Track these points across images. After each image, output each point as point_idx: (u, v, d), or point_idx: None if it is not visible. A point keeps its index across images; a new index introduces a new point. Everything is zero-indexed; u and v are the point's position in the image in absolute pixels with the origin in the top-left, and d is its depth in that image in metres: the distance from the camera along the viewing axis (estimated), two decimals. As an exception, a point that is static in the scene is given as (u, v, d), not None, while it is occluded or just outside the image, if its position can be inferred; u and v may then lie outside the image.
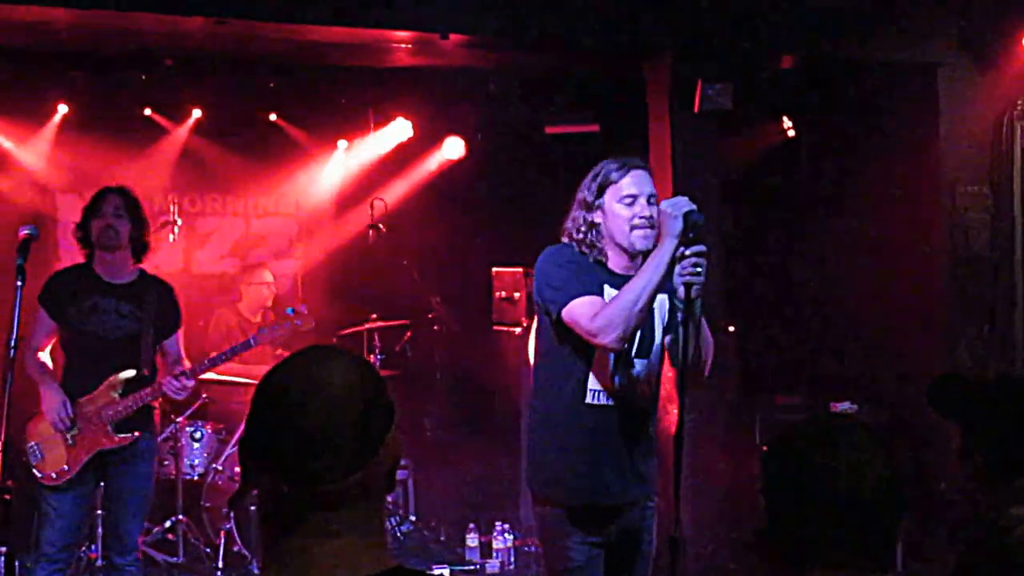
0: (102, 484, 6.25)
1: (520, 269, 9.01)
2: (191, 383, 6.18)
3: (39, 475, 6.02)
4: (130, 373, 6.10)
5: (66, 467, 6.01)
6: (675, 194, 4.57)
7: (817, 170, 9.30)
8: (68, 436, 6.01)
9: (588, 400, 4.62)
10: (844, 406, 8.37)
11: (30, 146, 9.32)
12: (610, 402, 4.63)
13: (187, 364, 6.32)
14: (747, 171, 9.34)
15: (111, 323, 6.09)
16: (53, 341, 6.18)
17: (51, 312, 6.10)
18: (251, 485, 2.22)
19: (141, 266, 6.29)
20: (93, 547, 7.59)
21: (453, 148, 10.36)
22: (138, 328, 6.14)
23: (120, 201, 6.15)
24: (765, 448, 2.51)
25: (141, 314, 6.16)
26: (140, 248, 6.24)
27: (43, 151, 9.36)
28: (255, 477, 2.20)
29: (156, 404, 6.39)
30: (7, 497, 5.07)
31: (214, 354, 6.39)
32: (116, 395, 6.08)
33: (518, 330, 8.89)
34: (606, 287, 4.57)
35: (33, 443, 6.06)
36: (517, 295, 8.99)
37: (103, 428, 6.05)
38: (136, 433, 6.12)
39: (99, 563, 7.42)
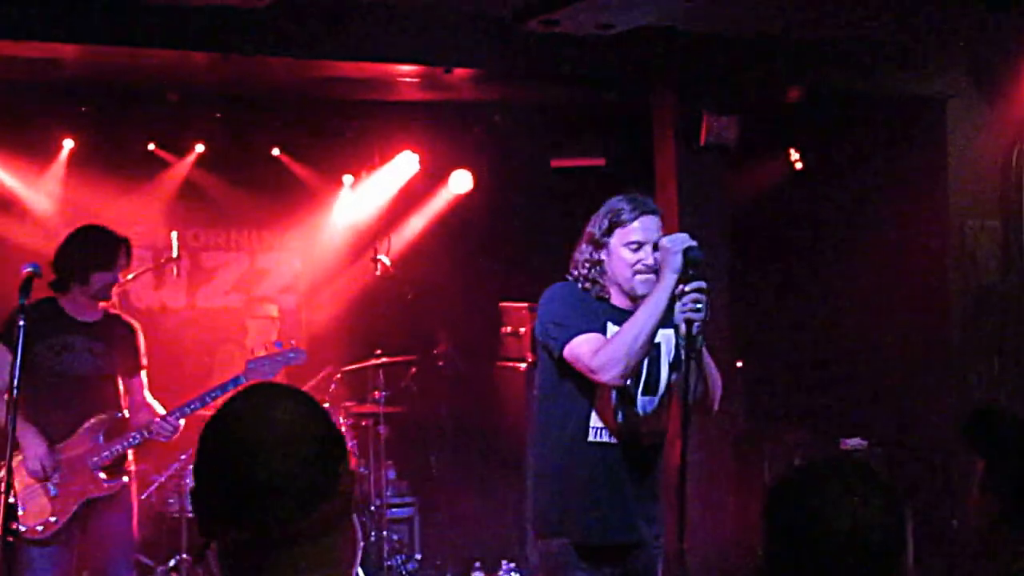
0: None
1: (526, 304, 9.00)
2: (181, 424, 6.04)
3: (22, 528, 5.69)
4: (111, 415, 5.96)
5: (53, 518, 5.79)
6: (681, 229, 4.58)
7: (825, 203, 9.31)
8: (50, 485, 5.79)
9: (590, 438, 4.60)
10: (854, 442, 8.38)
11: (38, 185, 9.24)
12: (613, 440, 4.61)
13: (154, 405, 6.16)
14: (754, 205, 9.35)
15: (85, 362, 5.92)
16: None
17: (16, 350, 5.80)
18: (211, 535, 2.17)
19: (104, 305, 6.12)
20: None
21: (461, 181, 10.31)
22: (111, 367, 6.00)
23: (127, 257, 6.02)
24: (768, 493, 2.50)
25: (112, 352, 6.00)
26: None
27: (51, 190, 9.28)
28: (213, 526, 2.15)
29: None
30: (10, 540, 4.93)
31: (204, 392, 6.22)
32: (99, 439, 5.91)
33: (523, 365, 8.88)
34: (609, 324, 4.57)
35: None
36: (523, 330, 8.98)
37: (90, 475, 5.86)
38: (124, 478, 5.98)
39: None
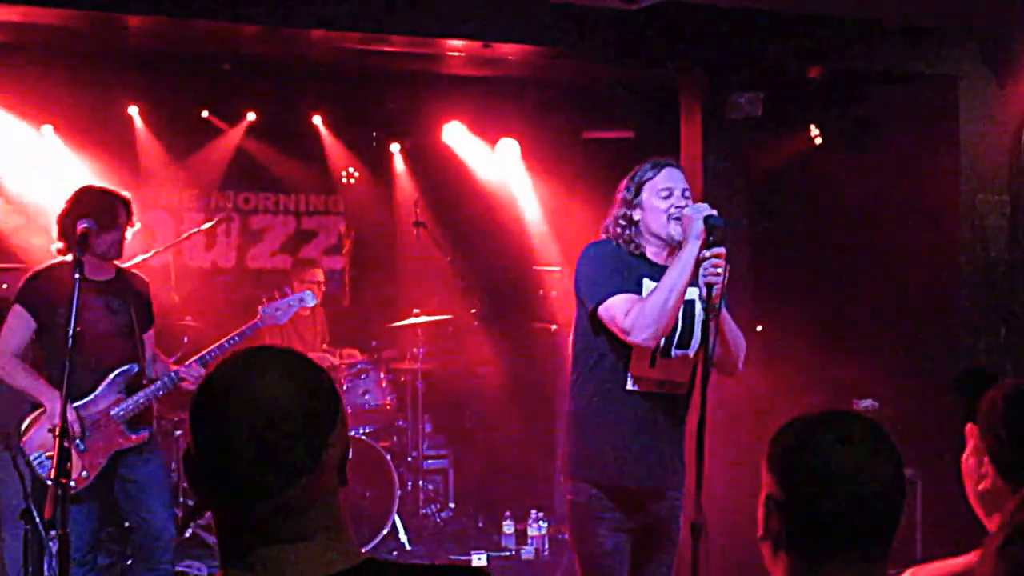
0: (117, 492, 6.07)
1: (557, 268, 9.29)
2: (203, 371, 6.00)
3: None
4: (130, 369, 6.00)
5: (84, 473, 5.82)
6: (705, 198, 4.83)
7: (843, 178, 9.34)
8: (78, 441, 5.77)
9: (627, 387, 4.79)
10: (866, 403, 8.55)
11: (108, 154, 9.31)
12: (647, 390, 4.81)
13: (164, 359, 6.26)
14: (776, 177, 9.44)
15: (104, 320, 5.95)
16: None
17: (37, 313, 5.87)
18: (204, 503, 2.16)
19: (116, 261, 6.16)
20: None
21: (508, 150, 10.43)
22: (128, 323, 6.02)
23: (127, 215, 6.03)
24: (774, 436, 2.53)
25: (129, 308, 6.03)
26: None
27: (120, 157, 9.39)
28: (200, 494, 2.15)
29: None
30: (64, 481, 4.92)
31: (223, 340, 6.27)
32: (122, 393, 5.97)
33: (554, 326, 9.14)
34: (645, 280, 4.78)
35: (38, 453, 5.80)
36: (554, 293, 9.25)
37: (117, 428, 5.92)
38: (151, 429, 6.07)
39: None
